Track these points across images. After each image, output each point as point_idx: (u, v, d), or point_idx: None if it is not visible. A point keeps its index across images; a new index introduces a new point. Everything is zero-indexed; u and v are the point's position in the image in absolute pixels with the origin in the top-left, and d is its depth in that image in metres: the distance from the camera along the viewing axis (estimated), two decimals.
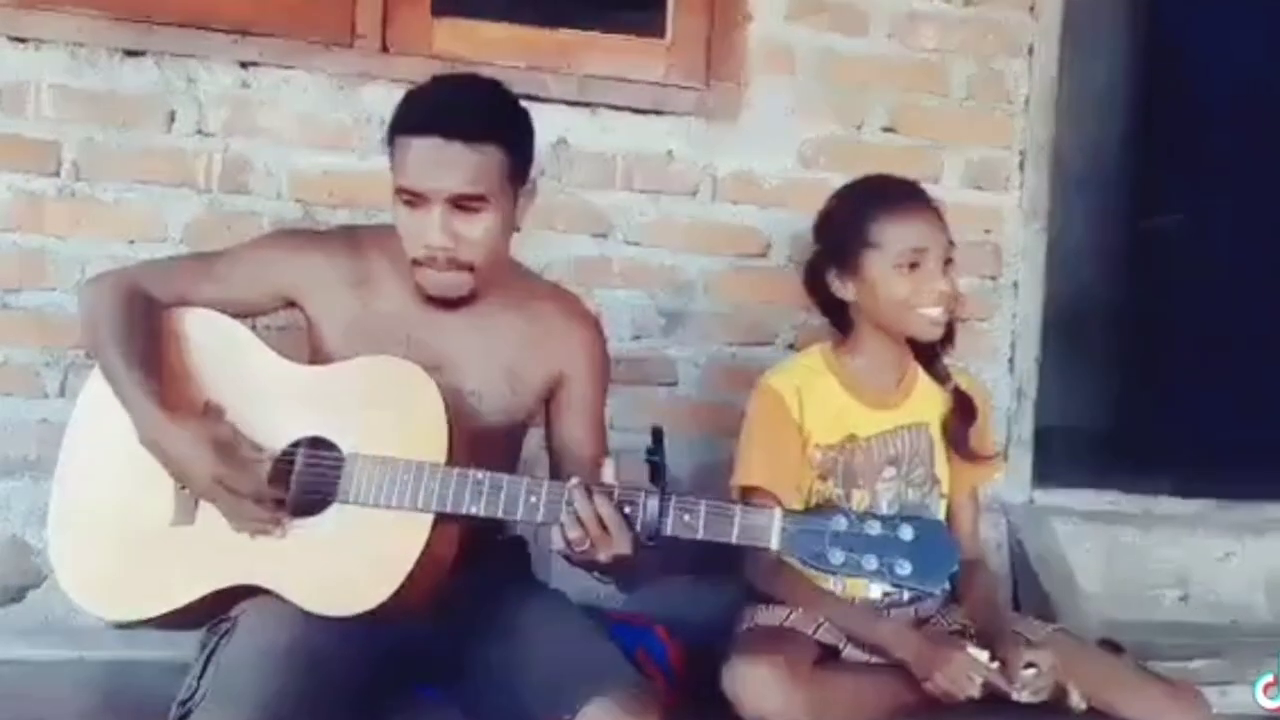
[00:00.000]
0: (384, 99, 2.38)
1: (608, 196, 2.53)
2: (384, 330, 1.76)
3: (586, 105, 2.50)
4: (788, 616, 1.94)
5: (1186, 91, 3.81)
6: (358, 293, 1.79)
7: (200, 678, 1.55)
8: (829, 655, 1.91)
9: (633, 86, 2.52)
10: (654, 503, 1.54)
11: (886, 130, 2.65)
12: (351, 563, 1.60)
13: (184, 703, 1.54)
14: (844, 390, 2.02)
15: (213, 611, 1.64)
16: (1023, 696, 1.77)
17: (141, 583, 1.66)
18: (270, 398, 1.71)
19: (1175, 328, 3.75)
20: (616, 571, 1.62)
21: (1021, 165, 2.72)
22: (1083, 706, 1.81)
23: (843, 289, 1.99)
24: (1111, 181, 4.26)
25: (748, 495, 1.95)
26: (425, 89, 1.78)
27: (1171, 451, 3.21)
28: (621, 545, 1.54)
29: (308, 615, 1.56)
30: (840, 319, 2.06)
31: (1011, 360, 2.75)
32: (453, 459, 1.61)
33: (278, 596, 1.59)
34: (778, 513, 1.53)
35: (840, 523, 1.50)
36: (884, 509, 1.97)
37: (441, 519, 1.59)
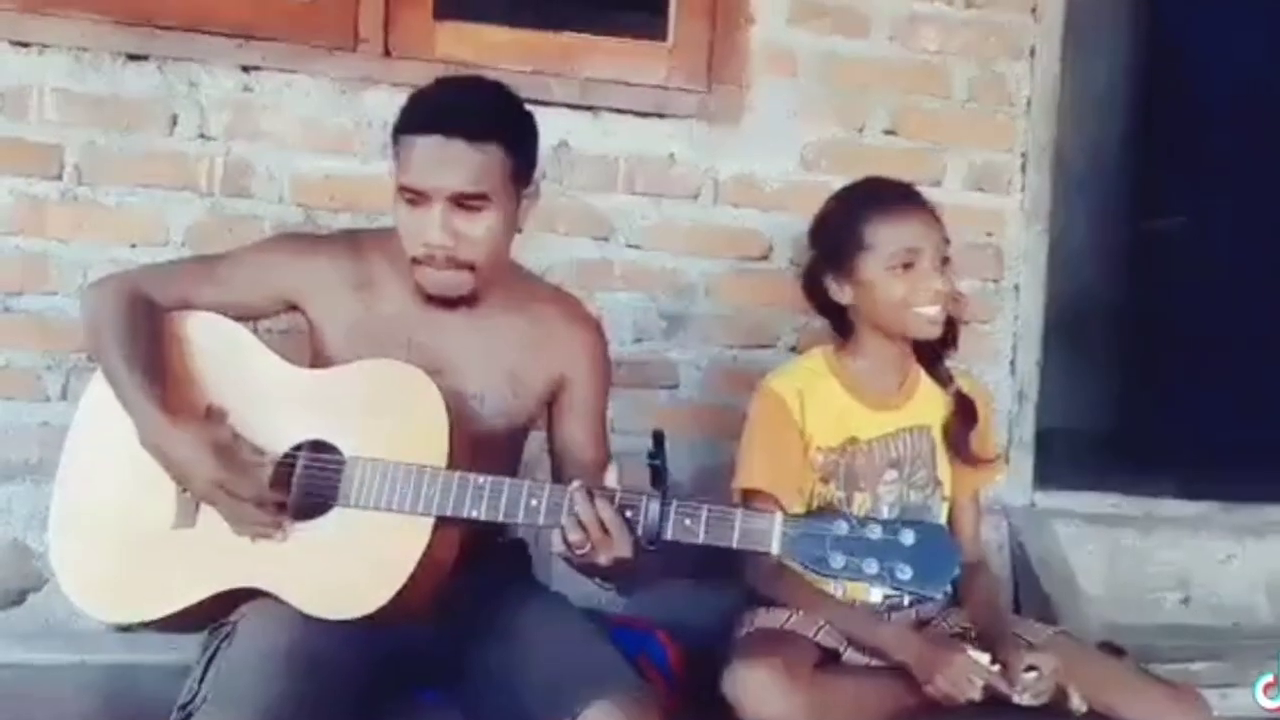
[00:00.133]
0: (386, 103, 2.39)
1: (609, 199, 2.53)
2: (385, 333, 1.76)
3: (588, 108, 2.50)
4: (788, 620, 1.94)
5: (1188, 93, 3.81)
6: (359, 296, 1.79)
7: (201, 681, 1.55)
8: (829, 658, 1.91)
9: (634, 89, 2.53)
10: (655, 506, 1.54)
11: (888, 133, 2.65)
12: (352, 566, 1.60)
13: (184, 706, 1.54)
14: (845, 392, 2.02)
15: (214, 614, 1.64)
16: (1024, 699, 1.77)
17: (142, 585, 1.66)
18: (272, 401, 1.71)
19: (1177, 330, 3.75)
20: (617, 575, 1.63)
21: (1023, 167, 2.72)
22: (1083, 709, 1.81)
23: (840, 293, 1.99)
24: (1113, 183, 4.26)
25: (749, 498, 1.95)
26: (429, 89, 1.79)
27: (1173, 454, 3.21)
28: (622, 548, 1.54)
29: (308, 618, 1.56)
30: (840, 322, 2.06)
31: (1013, 362, 2.75)
32: (454, 462, 1.61)
33: (278, 599, 1.59)
34: (778, 517, 1.53)
35: (841, 527, 1.50)
36: (885, 511, 1.97)
37: (442, 522, 1.59)
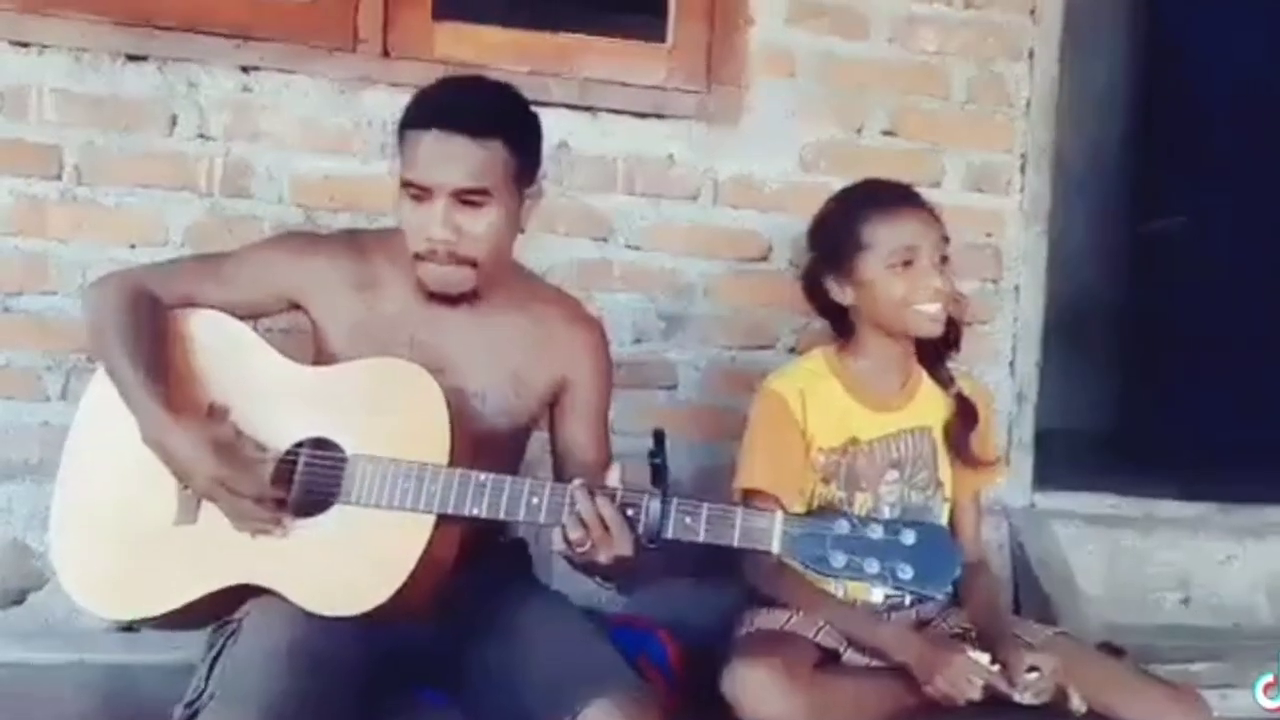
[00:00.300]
0: (385, 103, 2.40)
1: (608, 200, 2.53)
2: (388, 332, 1.77)
3: (587, 109, 2.50)
4: (788, 620, 1.94)
5: (1187, 93, 3.80)
6: (362, 295, 1.80)
7: (207, 678, 1.55)
8: (829, 658, 1.91)
9: (634, 90, 2.53)
10: (656, 505, 1.54)
11: (887, 134, 2.65)
12: (352, 563, 1.60)
13: (191, 703, 1.54)
14: (847, 393, 2.02)
15: (215, 611, 1.64)
16: (1025, 699, 1.77)
17: (143, 582, 1.66)
18: (274, 398, 1.72)
19: (1176, 330, 3.74)
20: (617, 574, 1.63)
21: (1022, 168, 2.72)
22: (1083, 709, 1.81)
23: (841, 294, 1.99)
24: (1112, 184, 4.26)
25: (750, 498, 1.94)
26: (433, 87, 1.80)
27: (1173, 454, 3.21)
28: (623, 547, 1.54)
29: (311, 616, 1.56)
30: (841, 323, 2.06)
31: (1012, 363, 2.75)
32: (455, 460, 1.61)
33: (280, 597, 1.59)
34: (779, 516, 1.53)
35: (842, 526, 1.50)
36: (886, 512, 1.97)
37: (443, 520, 1.60)
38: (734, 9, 2.56)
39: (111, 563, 1.69)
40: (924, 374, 2.06)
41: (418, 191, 1.71)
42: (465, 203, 1.70)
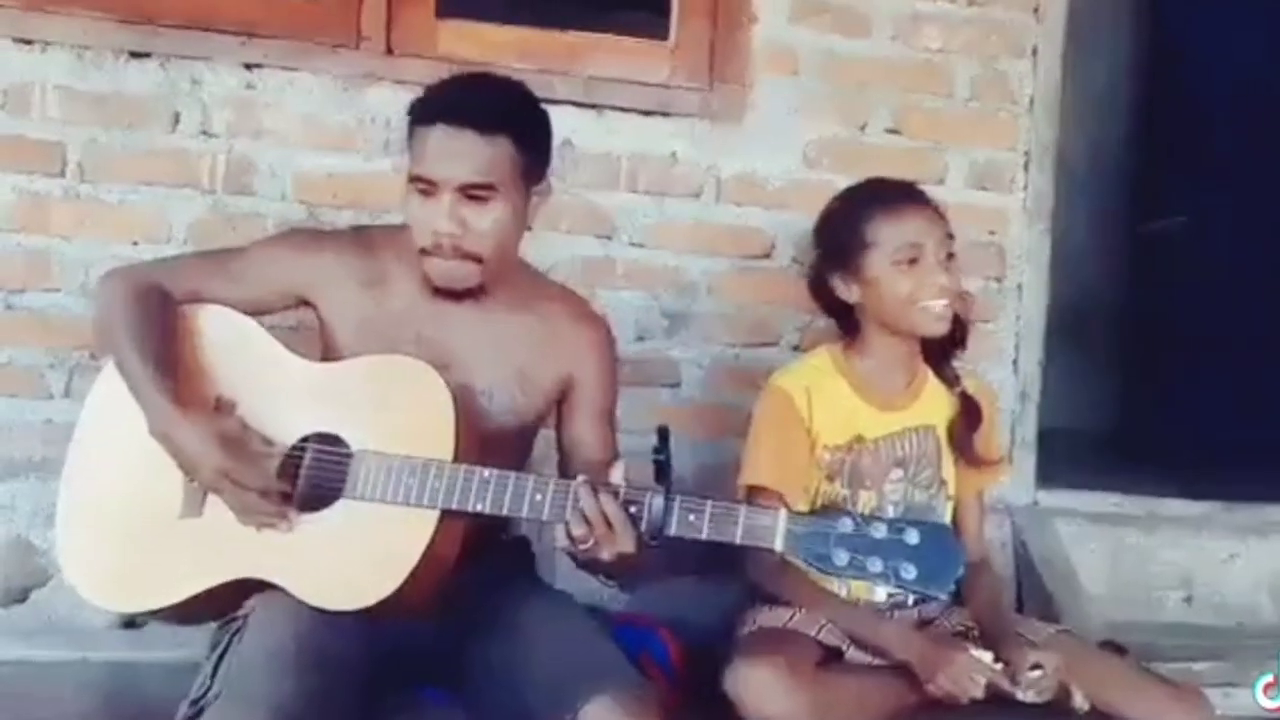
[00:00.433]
0: (388, 101, 2.40)
1: (612, 197, 2.53)
2: (395, 329, 1.77)
3: (591, 107, 2.50)
4: (790, 618, 1.94)
5: (1190, 93, 3.80)
6: (370, 292, 1.80)
7: (213, 676, 1.56)
8: (832, 657, 1.91)
9: (637, 88, 2.53)
10: (659, 502, 1.54)
11: (890, 131, 2.65)
12: (355, 558, 1.61)
13: (196, 701, 1.54)
14: (853, 391, 2.02)
15: (219, 606, 1.65)
16: (1028, 697, 1.77)
17: (147, 575, 1.67)
18: (282, 394, 1.72)
19: (1179, 329, 3.74)
20: (620, 571, 1.63)
21: (1025, 166, 2.72)
22: (1085, 708, 1.81)
23: (847, 292, 1.99)
24: (1115, 183, 4.26)
25: (754, 495, 1.95)
26: (442, 83, 1.81)
27: (1175, 453, 3.21)
28: (626, 544, 1.54)
29: (316, 612, 1.56)
30: (847, 322, 2.06)
31: (1015, 362, 2.74)
32: (459, 457, 1.61)
33: (284, 592, 1.59)
34: (782, 514, 1.53)
35: (845, 525, 1.49)
36: (890, 510, 1.97)
37: (447, 516, 1.60)
38: (737, 7, 2.56)
39: (116, 555, 1.69)
40: (929, 373, 2.06)
41: (425, 186, 1.71)
42: (471, 198, 1.70)
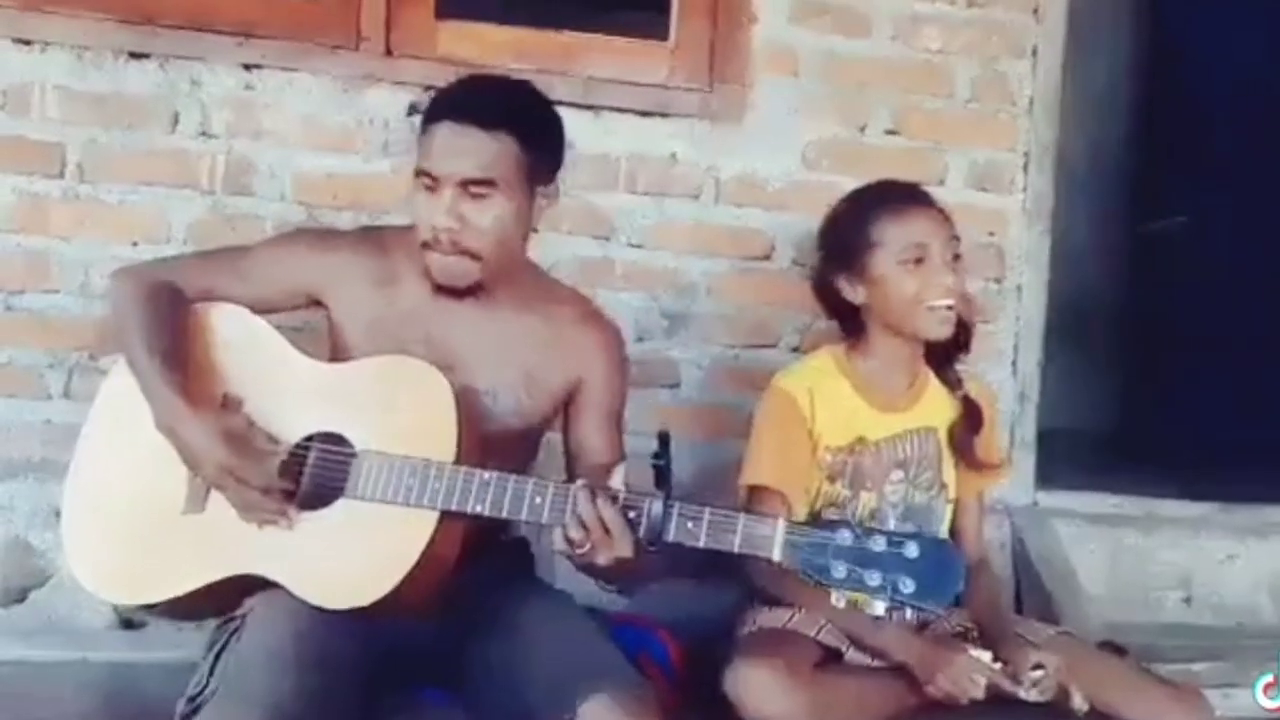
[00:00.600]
0: (388, 102, 2.40)
1: (611, 198, 2.53)
2: (404, 329, 1.78)
3: (590, 108, 2.50)
4: (790, 619, 1.94)
5: (1190, 93, 3.80)
6: (382, 291, 1.81)
7: (210, 674, 1.56)
8: (831, 658, 1.91)
9: (636, 89, 2.53)
10: (658, 508, 1.54)
11: (890, 132, 2.65)
12: (354, 557, 1.61)
13: (193, 699, 1.55)
14: (855, 393, 2.02)
15: (219, 602, 1.65)
16: (1031, 695, 1.77)
17: (148, 568, 1.67)
18: (289, 393, 1.73)
19: (1178, 330, 3.74)
20: (617, 575, 1.63)
21: (1025, 167, 2.72)
22: (1085, 708, 1.81)
23: (853, 292, 2.00)
24: (1114, 183, 4.26)
25: (756, 494, 1.95)
26: (455, 82, 1.85)
27: (1175, 454, 3.21)
28: (623, 549, 1.54)
29: (315, 611, 1.56)
30: (852, 324, 2.06)
31: (1014, 362, 2.74)
32: (461, 458, 1.61)
33: (284, 590, 1.59)
34: (781, 524, 1.52)
35: (845, 537, 1.48)
36: (890, 511, 1.96)
37: (446, 517, 1.60)
38: (737, 7, 2.56)
39: (118, 548, 1.70)
40: (931, 375, 2.06)
41: (428, 180, 1.73)
42: (472, 194, 1.71)
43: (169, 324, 1.73)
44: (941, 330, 1.96)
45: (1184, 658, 2.40)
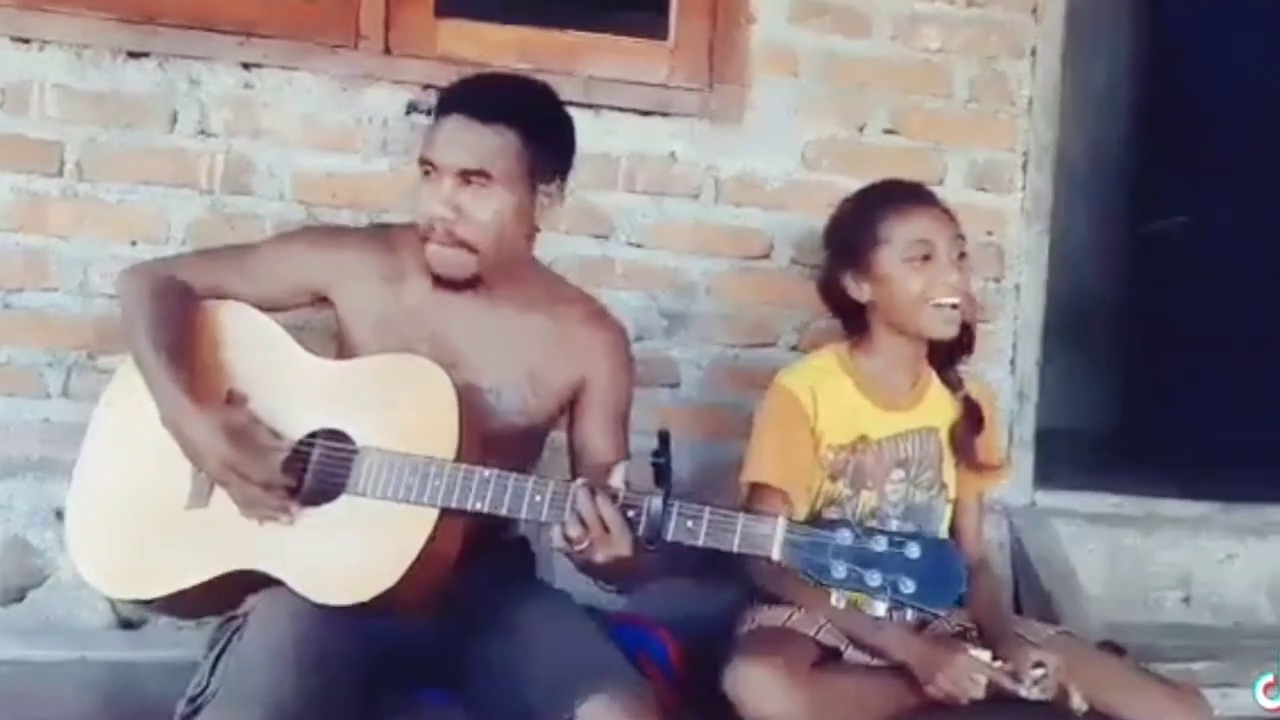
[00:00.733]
0: (387, 100, 2.40)
1: (610, 198, 2.53)
2: (410, 327, 1.79)
3: (590, 107, 2.50)
4: (789, 618, 1.94)
5: (1189, 93, 3.80)
6: (390, 288, 1.82)
7: (211, 674, 1.56)
8: (831, 657, 1.91)
9: (636, 88, 2.53)
10: (657, 506, 1.54)
11: (889, 132, 2.65)
12: (354, 553, 1.61)
13: (194, 699, 1.55)
14: (857, 391, 2.02)
15: (220, 599, 1.66)
16: (1032, 694, 1.77)
17: (151, 562, 1.68)
18: (294, 390, 1.74)
19: (1177, 330, 3.74)
20: (616, 574, 1.63)
21: (1024, 167, 2.72)
22: (1084, 708, 1.81)
23: (858, 290, 2.00)
24: (1114, 183, 4.26)
25: (757, 492, 1.95)
26: (465, 78, 1.87)
27: (1174, 453, 3.21)
28: (621, 547, 1.54)
29: (317, 611, 1.56)
30: (856, 322, 2.06)
31: (1013, 362, 2.74)
32: (462, 456, 1.62)
33: (286, 590, 1.59)
34: (781, 523, 1.52)
35: (845, 536, 1.48)
36: (890, 511, 1.96)
37: (446, 514, 1.60)
38: (736, 7, 2.56)
39: (121, 542, 1.70)
40: (933, 375, 2.07)
41: (427, 168, 1.75)
42: (470, 185, 1.73)
43: (176, 320, 1.74)
44: (946, 329, 1.96)
45: (1183, 657, 2.40)
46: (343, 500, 1.64)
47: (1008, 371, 2.73)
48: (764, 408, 2.04)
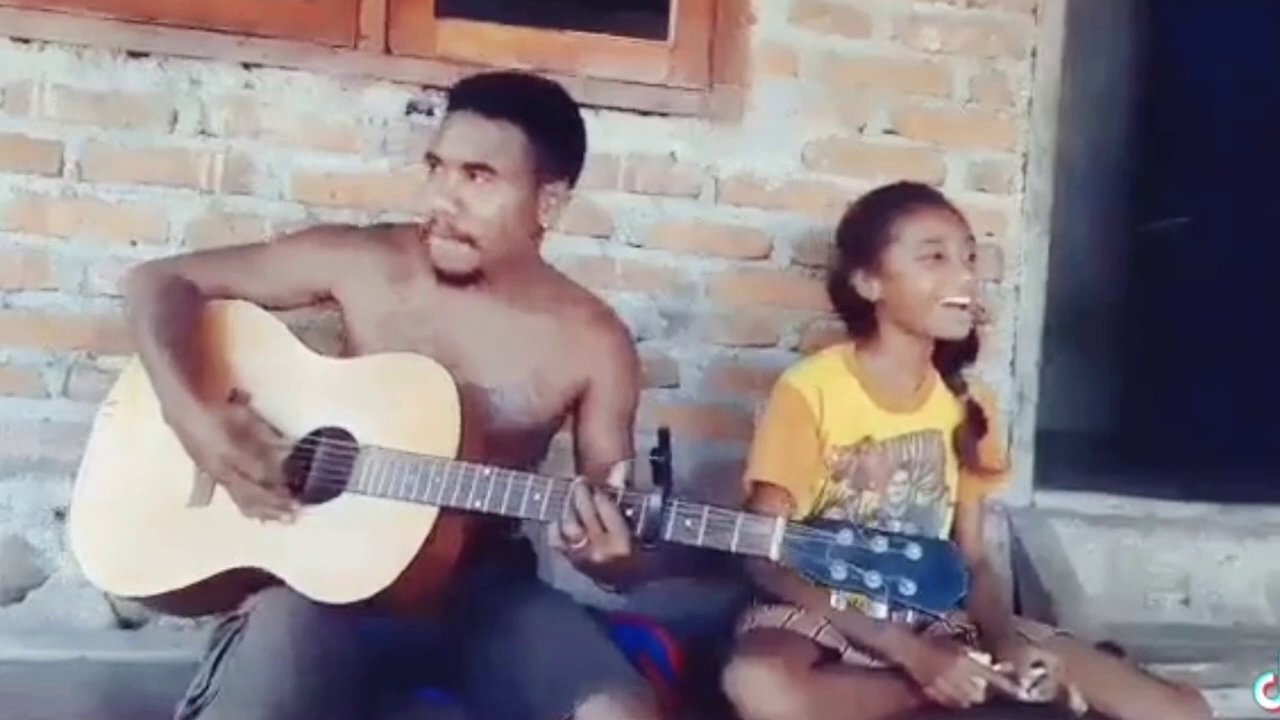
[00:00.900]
0: (387, 100, 2.40)
1: (610, 198, 2.53)
2: (415, 326, 1.79)
3: (590, 107, 2.47)
4: (789, 618, 1.94)
5: (1189, 93, 3.81)
6: (395, 288, 1.83)
7: (211, 674, 1.56)
8: (830, 657, 1.91)
9: (636, 88, 2.52)
10: (656, 505, 1.54)
11: (889, 132, 2.65)
12: (354, 551, 1.61)
13: (194, 700, 1.55)
14: (862, 391, 2.02)
15: (220, 598, 1.66)
16: (1031, 695, 1.77)
17: (151, 559, 1.68)
18: (296, 388, 1.74)
19: (1177, 330, 3.74)
20: (614, 573, 1.63)
21: (1024, 167, 2.72)
22: (1084, 709, 1.81)
23: (868, 288, 2.00)
24: (1114, 184, 4.26)
25: (760, 491, 1.95)
26: (478, 74, 1.90)
27: (1173, 454, 3.21)
28: (619, 546, 1.54)
29: (317, 611, 1.56)
30: (863, 323, 2.06)
31: (1013, 362, 2.74)
32: (463, 455, 1.62)
33: (286, 590, 1.59)
34: (780, 522, 1.51)
35: (845, 537, 1.47)
36: (891, 512, 1.97)
37: (446, 513, 1.60)
38: (736, 7, 2.55)
39: (123, 539, 1.71)
40: (937, 378, 2.07)
41: (432, 160, 1.76)
42: (473, 180, 1.73)
43: (181, 318, 1.75)
44: (957, 329, 1.97)
45: (1183, 658, 2.40)
46: (344, 498, 1.64)
47: (1007, 372, 2.73)
48: (770, 407, 2.04)
